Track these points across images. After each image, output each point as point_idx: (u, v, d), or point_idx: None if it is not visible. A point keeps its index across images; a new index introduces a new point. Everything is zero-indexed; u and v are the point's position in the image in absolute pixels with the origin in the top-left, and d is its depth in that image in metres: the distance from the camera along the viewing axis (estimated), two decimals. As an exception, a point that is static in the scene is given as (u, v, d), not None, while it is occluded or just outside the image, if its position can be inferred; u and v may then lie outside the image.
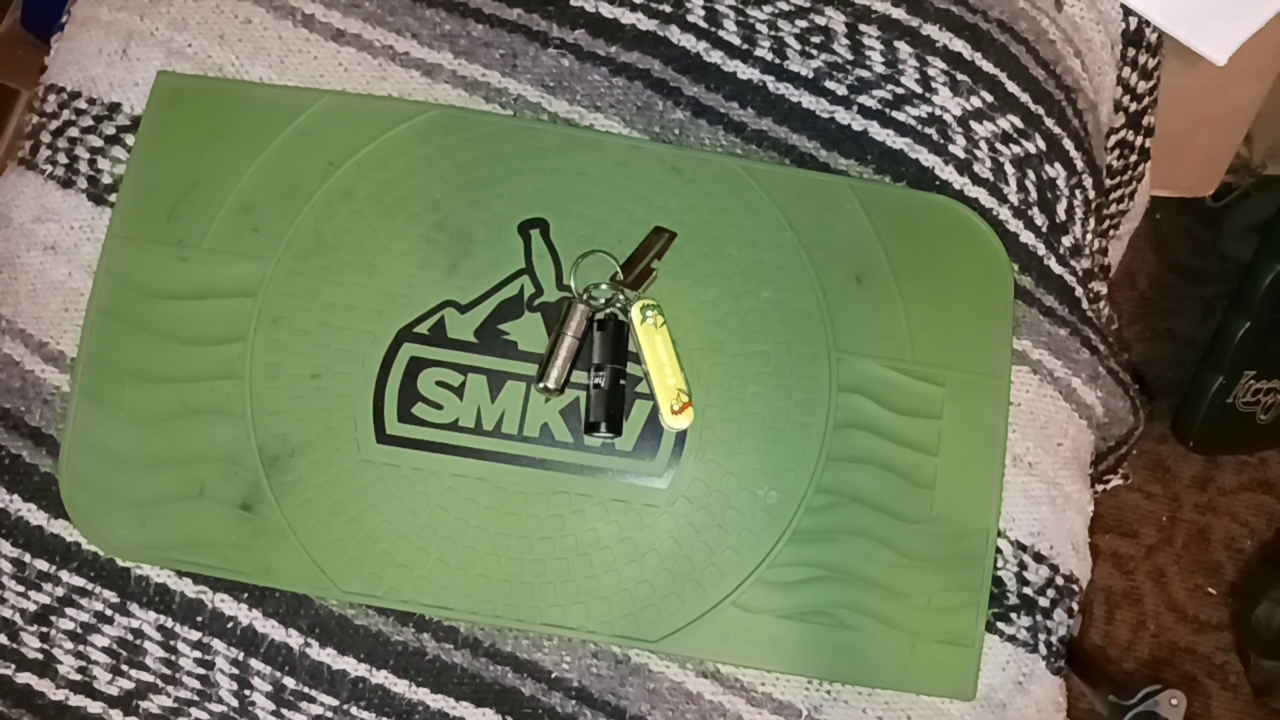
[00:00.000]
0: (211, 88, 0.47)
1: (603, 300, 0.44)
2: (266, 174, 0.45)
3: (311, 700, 0.43)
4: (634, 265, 0.44)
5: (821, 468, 0.44)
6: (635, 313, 0.44)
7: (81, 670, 0.44)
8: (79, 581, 0.44)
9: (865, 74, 0.47)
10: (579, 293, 0.44)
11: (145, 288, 0.45)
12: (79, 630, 0.44)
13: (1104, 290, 0.52)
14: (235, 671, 0.43)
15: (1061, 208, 0.48)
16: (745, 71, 0.47)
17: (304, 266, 0.45)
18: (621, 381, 0.44)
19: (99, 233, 0.46)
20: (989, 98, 0.47)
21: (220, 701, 0.43)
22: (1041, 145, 0.48)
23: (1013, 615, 0.45)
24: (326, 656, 0.43)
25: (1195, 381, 0.99)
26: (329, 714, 0.43)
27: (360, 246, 0.45)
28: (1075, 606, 0.46)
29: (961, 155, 0.47)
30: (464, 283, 0.45)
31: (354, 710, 0.43)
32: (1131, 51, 0.52)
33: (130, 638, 0.43)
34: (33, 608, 0.44)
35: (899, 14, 0.48)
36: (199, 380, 0.44)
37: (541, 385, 0.43)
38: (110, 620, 0.44)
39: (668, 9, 0.48)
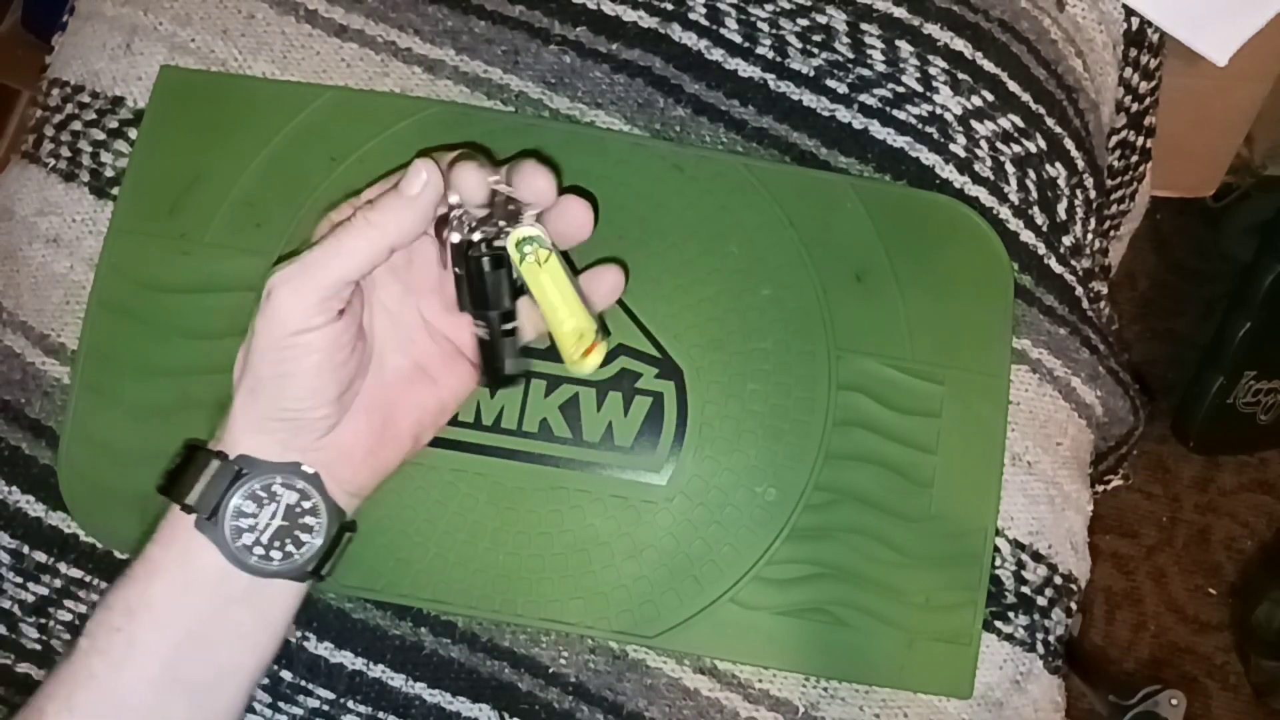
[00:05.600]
0: (214, 82, 0.47)
1: (479, 235, 0.35)
2: (269, 169, 0.46)
3: (309, 694, 0.43)
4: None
5: (820, 465, 0.44)
6: (511, 249, 0.35)
7: (81, 662, 0.44)
8: (77, 573, 0.44)
9: (866, 73, 0.47)
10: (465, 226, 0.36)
11: (147, 281, 0.45)
12: (77, 622, 0.44)
13: (1104, 290, 0.52)
14: (234, 664, 0.43)
15: (1062, 207, 0.48)
16: (746, 69, 0.47)
17: (305, 261, 0.45)
18: (506, 327, 0.37)
19: (101, 226, 0.46)
20: (990, 97, 0.47)
21: (219, 694, 0.43)
22: (1042, 145, 0.48)
23: (1010, 614, 0.45)
24: (324, 650, 0.43)
25: (1196, 382, 0.99)
26: (326, 707, 0.43)
27: (361, 242, 0.45)
28: (1073, 606, 0.46)
29: (962, 154, 0.47)
30: (464, 278, 0.45)
31: (351, 704, 0.43)
32: (1133, 51, 0.52)
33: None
34: (31, 599, 0.44)
35: (900, 13, 0.48)
36: (200, 374, 0.44)
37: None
38: (110, 613, 0.44)
39: (669, 7, 0.48)
